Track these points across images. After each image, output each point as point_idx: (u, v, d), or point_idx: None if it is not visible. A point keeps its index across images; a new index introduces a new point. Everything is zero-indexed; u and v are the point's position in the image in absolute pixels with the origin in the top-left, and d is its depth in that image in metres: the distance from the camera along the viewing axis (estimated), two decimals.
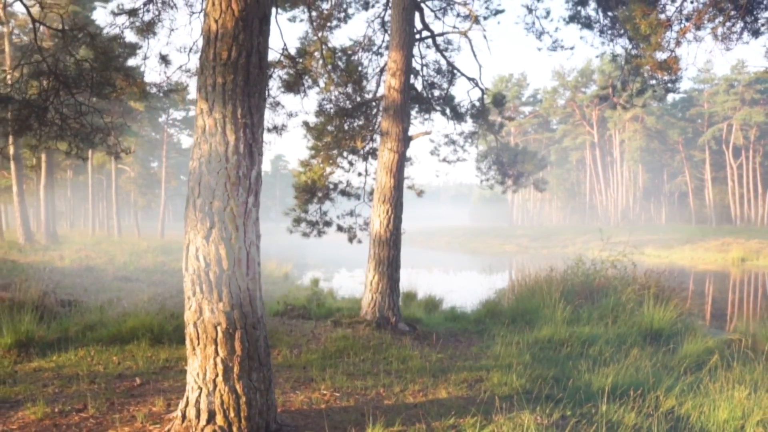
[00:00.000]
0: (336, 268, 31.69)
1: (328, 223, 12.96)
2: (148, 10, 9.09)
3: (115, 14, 8.86)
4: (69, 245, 31.99)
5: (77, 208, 68.98)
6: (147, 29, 9.21)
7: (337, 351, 7.34)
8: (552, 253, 42.31)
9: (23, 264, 20.32)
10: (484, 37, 11.70)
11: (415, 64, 11.74)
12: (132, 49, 10.47)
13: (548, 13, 13.17)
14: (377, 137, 11.63)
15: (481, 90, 12.23)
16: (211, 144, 4.30)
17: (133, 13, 8.95)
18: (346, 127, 12.39)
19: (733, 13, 7.85)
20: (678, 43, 8.28)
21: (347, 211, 12.93)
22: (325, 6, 12.69)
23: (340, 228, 12.95)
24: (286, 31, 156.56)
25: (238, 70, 4.30)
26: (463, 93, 20.95)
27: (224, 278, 4.25)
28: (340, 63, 12.62)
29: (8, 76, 11.47)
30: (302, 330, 8.64)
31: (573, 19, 10.75)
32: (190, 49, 10.31)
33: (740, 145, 64.13)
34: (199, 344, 4.30)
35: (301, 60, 12.23)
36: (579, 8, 10.60)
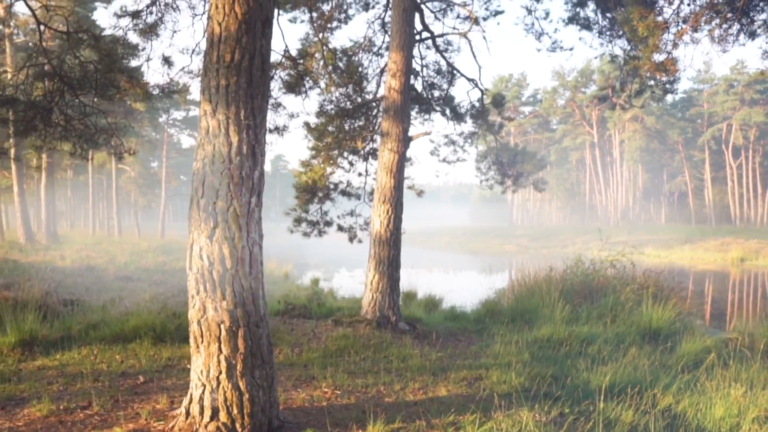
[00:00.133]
0: (336, 268, 31.74)
1: (328, 223, 13.04)
2: (151, 12, 9.16)
3: (118, 16, 8.93)
4: (70, 245, 32.08)
5: (77, 208, 69.05)
6: (150, 31, 9.28)
7: (337, 350, 7.41)
8: (552, 253, 42.33)
9: (24, 264, 20.38)
10: (484, 38, 11.76)
11: (415, 64, 11.80)
12: (135, 50, 10.54)
13: (547, 14, 13.26)
14: (377, 138, 11.69)
15: (481, 90, 12.28)
16: (215, 145, 4.37)
17: (136, 15, 9.02)
18: (346, 128, 12.46)
19: (729, 15, 7.91)
20: (675, 45, 8.34)
21: (348, 211, 13.00)
22: (326, 7, 12.74)
23: (340, 228, 13.02)
24: (287, 32, 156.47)
25: (242, 72, 4.36)
26: (463, 93, 20.96)
27: (227, 277, 4.32)
28: (340, 64, 12.69)
29: (9, 76, 11.55)
30: (303, 329, 8.70)
31: (572, 20, 10.79)
32: (193, 50, 10.41)
33: (740, 145, 64.15)
34: (202, 342, 4.36)
35: (302, 61, 12.30)
36: (578, 9, 10.64)
